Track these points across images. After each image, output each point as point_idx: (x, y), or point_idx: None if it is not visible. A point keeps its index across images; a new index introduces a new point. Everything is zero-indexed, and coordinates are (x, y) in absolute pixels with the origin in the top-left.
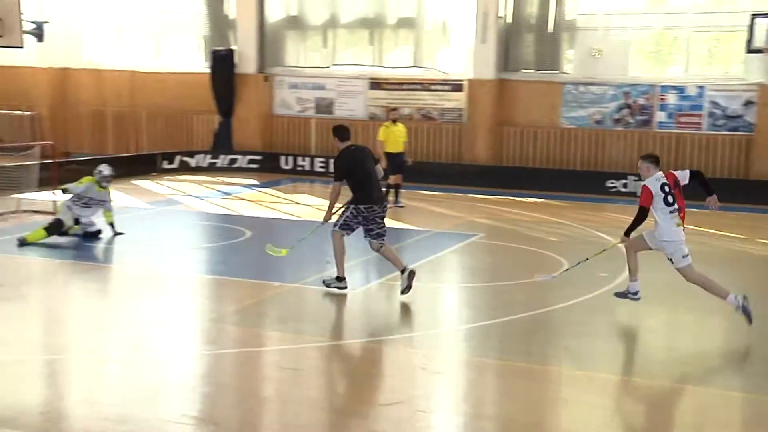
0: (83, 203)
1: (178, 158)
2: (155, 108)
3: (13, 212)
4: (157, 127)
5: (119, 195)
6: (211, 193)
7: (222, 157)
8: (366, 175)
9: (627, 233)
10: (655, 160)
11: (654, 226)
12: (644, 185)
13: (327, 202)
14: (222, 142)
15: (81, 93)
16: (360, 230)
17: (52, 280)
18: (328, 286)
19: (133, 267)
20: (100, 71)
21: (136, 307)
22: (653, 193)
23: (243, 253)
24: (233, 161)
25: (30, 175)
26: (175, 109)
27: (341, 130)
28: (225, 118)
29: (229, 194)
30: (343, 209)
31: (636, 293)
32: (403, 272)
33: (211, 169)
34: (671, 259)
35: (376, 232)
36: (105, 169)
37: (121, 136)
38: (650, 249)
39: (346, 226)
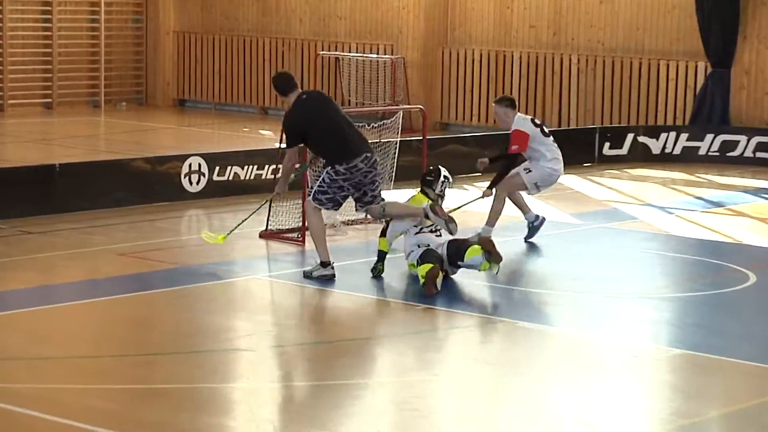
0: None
1: (629, 138)
2: (588, 49)
3: (348, 223)
4: (592, 82)
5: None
6: (686, 202)
7: (709, 137)
8: (332, 125)
9: (492, 186)
10: (511, 102)
11: (534, 164)
12: (515, 129)
13: None
14: (710, 112)
15: (472, 26)
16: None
17: (429, 331)
18: (310, 276)
19: (545, 323)
20: None
21: (554, 395)
22: (529, 133)
23: (741, 314)
24: (730, 146)
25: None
26: (623, 49)
27: (281, 80)
28: (718, 69)
29: (719, 205)
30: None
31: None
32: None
33: (689, 159)
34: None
35: (370, 197)
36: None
37: (530, 93)
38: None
39: (327, 199)
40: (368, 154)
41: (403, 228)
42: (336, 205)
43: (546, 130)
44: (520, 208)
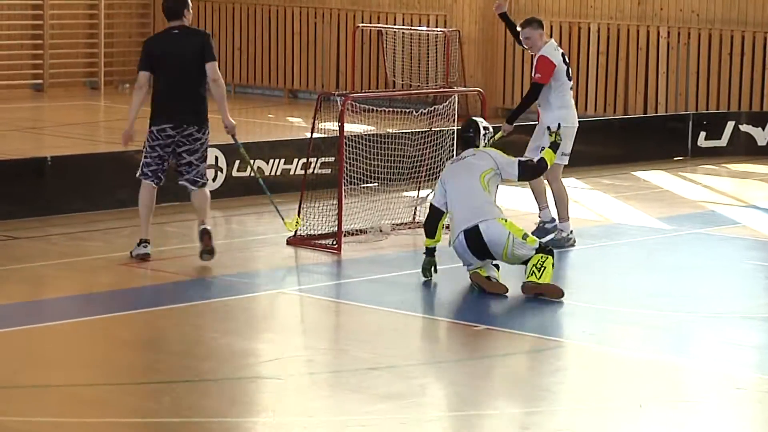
0: None
1: (729, 127)
2: (680, 20)
3: (394, 228)
4: (685, 59)
5: (596, 199)
6: None
7: None
8: (170, 73)
9: (512, 120)
10: (541, 24)
11: (546, 113)
12: (542, 55)
13: None
14: None
15: None
16: None
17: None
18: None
19: (628, 348)
20: None
21: None
22: (556, 64)
23: None
24: None
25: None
26: (722, 20)
27: (166, 4)
28: None
29: None
30: None
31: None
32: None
33: None
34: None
35: (186, 174)
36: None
37: (611, 72)
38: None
39: (147, 168)
40: (187, 128)
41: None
42: (155, 179)
43: (570, 73)
44: (537, 198)
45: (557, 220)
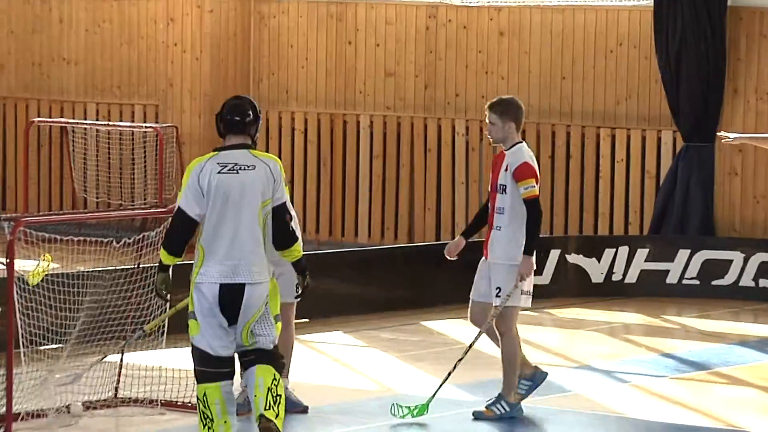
0: None
1: (552, 257)
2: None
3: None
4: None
5: (372, 360)
6: (647, 363)
7: (683, 256)
8: None
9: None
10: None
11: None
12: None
13: None
14: (682, 215)
15: (293, 74)
16: None
17: None
18: None
19: None
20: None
21: None
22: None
23: None
24: (715, 269)
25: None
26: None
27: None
28: (693, 144)
29: (700, 366)
30: None
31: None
32: None
33: (650, 291)
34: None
35: None
36: None
37: (388, 174)
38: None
39: None
40: None
41: None
42: None
43: None
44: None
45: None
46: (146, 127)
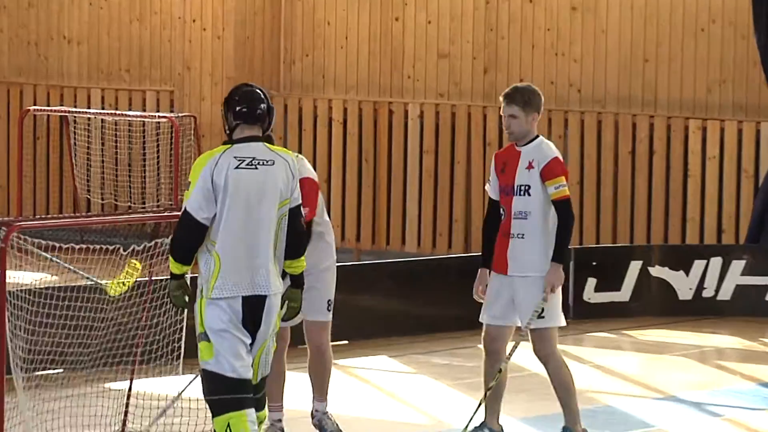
0: None
1: (632, 269)
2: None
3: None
4: (579, 151)
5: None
6: (747, 394)
7: None
8: None
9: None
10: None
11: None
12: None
13: None
14: None
15: (330, 55)
16: None
17: None
18: None
19: None
20: None
21: None
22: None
23: None
24: None
25: None
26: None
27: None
28: None
29: None
30: None
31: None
32: None
33: (749, 310)
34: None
35: None
36: None
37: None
38: None
39: None
40: None
41: None
42: None
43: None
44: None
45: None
46: (159, 116)
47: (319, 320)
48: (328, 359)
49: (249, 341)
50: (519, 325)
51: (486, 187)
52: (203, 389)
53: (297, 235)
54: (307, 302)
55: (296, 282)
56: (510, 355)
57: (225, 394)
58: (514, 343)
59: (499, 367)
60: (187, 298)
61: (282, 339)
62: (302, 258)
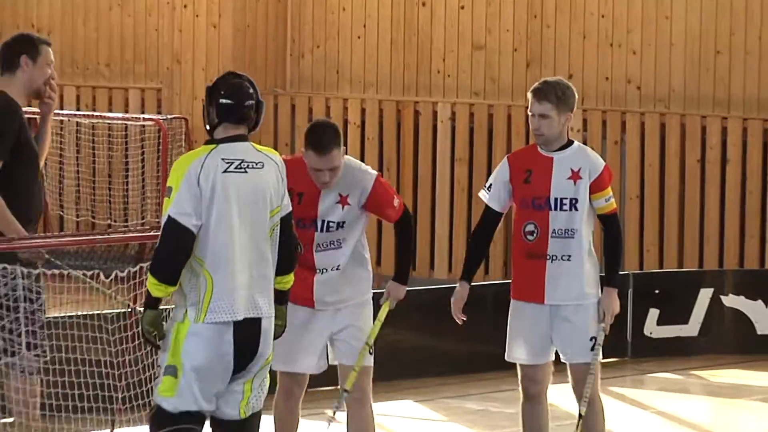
0: None
1: (702, 297)
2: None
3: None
4: (639, 161)
5: None
6: None
7: None
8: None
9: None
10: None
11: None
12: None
13: None
14: None
15: (345, 46)
16: None
17: None
18: None
19: None
20: None
21: None
22: None
23: None
24: None
25: None
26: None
27: None
28: None
29: None
30: None
31: None
32: None
33: None
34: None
35: None
36: None
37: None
38: None
39: None
40: None
41: None
42: None
43: None
44: None
45: None
46: (145, 119)
47: (366, 365)
48: (371, 416)
49: (228, 379)
50: (564, 360)
51: (482, 194)
52: (150, 426)
53: (288, 248)
54: (346, 344)
55: (281, 299)
56: (586, 396)
57: (174, 425)
58: (590, 380)
59: (580, 412)
60: (159, 337)
61: (298, 385)
62: (292, 273)
